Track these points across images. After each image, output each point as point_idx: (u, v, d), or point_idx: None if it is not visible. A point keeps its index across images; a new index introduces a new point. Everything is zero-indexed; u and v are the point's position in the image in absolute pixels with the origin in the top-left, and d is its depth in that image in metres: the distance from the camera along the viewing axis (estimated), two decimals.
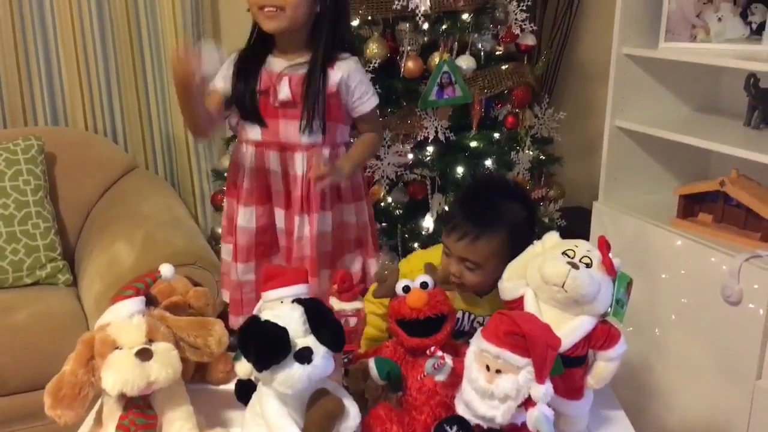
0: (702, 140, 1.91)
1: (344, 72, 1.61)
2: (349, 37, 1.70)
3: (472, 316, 1.50)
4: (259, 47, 1.63)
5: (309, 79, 1.59)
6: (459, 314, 1.48)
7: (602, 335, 1.31)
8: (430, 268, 1.35)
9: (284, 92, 1.59)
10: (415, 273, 1.37)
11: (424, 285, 1.31)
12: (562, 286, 1.27)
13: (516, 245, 1.40)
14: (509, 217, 1.45)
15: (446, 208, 2.14)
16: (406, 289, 1.31)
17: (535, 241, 1.38)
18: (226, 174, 1.79)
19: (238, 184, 1.70)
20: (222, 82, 1.65)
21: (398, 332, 1.30)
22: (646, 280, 1.97)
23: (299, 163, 1.62)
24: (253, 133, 1.64)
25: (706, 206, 1.95)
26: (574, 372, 1.30)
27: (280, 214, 1.68)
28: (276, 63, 1.62)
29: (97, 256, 2.14)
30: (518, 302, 1.35)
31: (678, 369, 1.95)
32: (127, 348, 1.17)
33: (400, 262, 1.70)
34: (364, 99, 1.66)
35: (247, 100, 1.60)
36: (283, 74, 1.60)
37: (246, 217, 1.68)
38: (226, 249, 1.80)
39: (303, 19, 1.58)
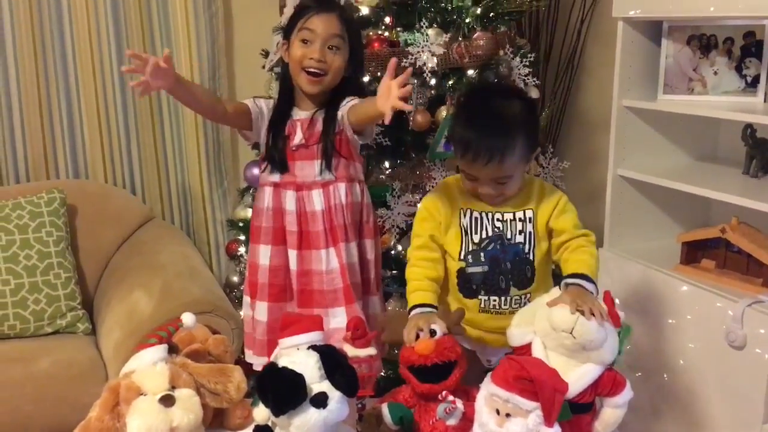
0: (702, 189, 1.96)
1: (342, 109, 1.74)
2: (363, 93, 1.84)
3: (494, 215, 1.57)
4: (286, 103, 1.80)
5: (324, 123, 1.74)
6: (477, 214, 1.57)
7: (608, 382, 1.35)
8: (439, 315, 1.40)
9: (298, 137, 1.74)
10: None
11: (432, 332, 1.35)
12: (571, 332, 1.32)
13: (532, 138, 1.53)
14: (518, 117, 1.52)
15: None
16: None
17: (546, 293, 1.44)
18: (249, 222, 1.89)
19: (257, 226, 1.81)
20: (258, 114, 1.77)
21: (409, 378, 1.34)
22: (652, 325, 2.00)
23: (317, 200, 1.74)
24: (273, 175, 1.77)
25: (709, 253, 1.98)
26: (581, 418, 1.34)
27: (293, 255, 1.76)
28: (298, 114, 1.78)
29: (115, 306, 2.19)
30: (526, 349, 1.40)
31: (685, 414, 1.96)
32: (151, 394, 1.22)
33: (426, 196, 1.70)
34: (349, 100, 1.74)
35: (278, 149, 1.75)
36: (297, 120, 1.76)
37: (263, 254, 1.78)
38: (247, 302, 1.86)
39: (336, 83, 1.74)
